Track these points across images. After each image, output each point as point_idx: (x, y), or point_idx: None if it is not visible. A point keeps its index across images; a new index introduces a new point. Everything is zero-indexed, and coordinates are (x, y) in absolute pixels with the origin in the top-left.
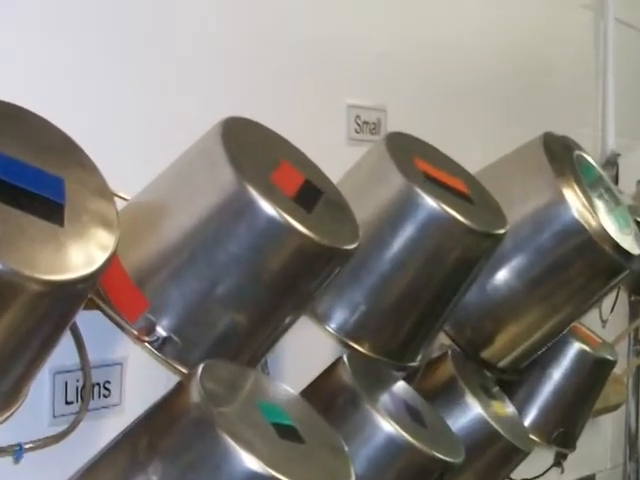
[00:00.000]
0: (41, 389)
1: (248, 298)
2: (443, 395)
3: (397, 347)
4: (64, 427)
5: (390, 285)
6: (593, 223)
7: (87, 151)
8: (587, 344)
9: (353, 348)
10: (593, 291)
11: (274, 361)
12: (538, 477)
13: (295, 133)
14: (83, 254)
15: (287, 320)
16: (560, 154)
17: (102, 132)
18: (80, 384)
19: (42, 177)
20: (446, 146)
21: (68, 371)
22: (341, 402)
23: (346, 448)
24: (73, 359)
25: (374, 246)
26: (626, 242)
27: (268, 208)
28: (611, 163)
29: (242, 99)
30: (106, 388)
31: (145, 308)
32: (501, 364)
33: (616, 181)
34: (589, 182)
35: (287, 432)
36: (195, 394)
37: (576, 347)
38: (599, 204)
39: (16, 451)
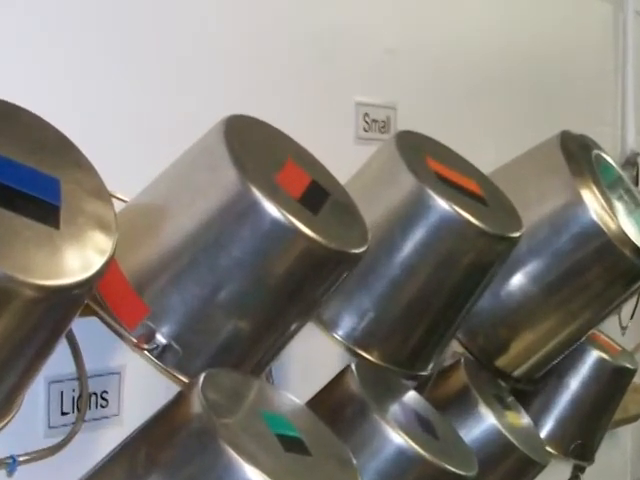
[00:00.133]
0: (36, 399)
1: (252, 304)
2: (455, 405)
3: (407, 355)
4: (60, 439)
5: (400, 290)
6: (612, 225)
7: (85, 151)
8: (606, 352)
9: (361, 356)
10: (612, 296)
11: (279, 370)
12: None
13: (301, 132)
14: (79, 258)
15: (292, 327)
16: (578, 153)
17: (101, 132)
18: (76, 394)
19: (37, 177)
20: (459, 145)
21: (64, 380)
22: (349, 413)
23: (354, 461)
24: (69, 368)
25: (383, 250)
26: None
27: (273, 210)
28: (631, 163)
29: (244, 98)
30: (103, 398)
31: (144, 314)
32: (516, 373)
33: (636, 182)
34: (608, 183)
35: (292, 444)
36: (196, 404)
37: (594, 355)
38: (618, 206)
39: (9, 464)
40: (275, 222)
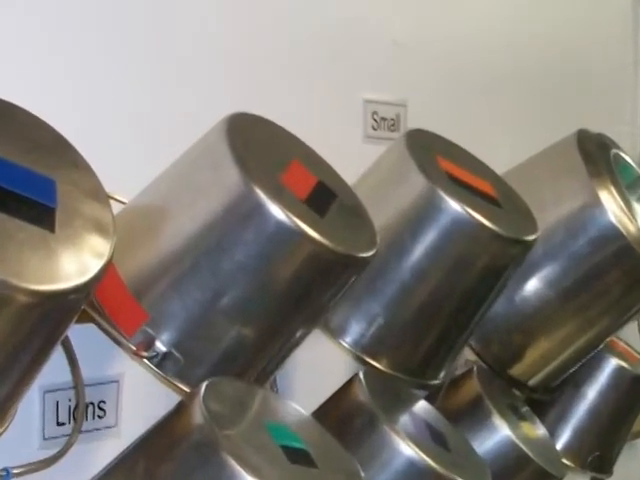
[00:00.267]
0: (30, 409)
1: (255, 310)
2: (468, 416)
3: (418, 363)
4: (55, 450)
5: (410, 296)
6: (631, 228)
7: (83, 151)
8: (625, 360)
9: (370, 364)
10: (632, 302)
11: (284, 379)
12: None
13: (306, 131)
14: (76, 262)
15: (298, 334)
16: (595, 153)
17: (100, 132)
18: (73, 404)
19: (31, 178)
20: (471, 144)
21: (60, 389)
22: (357, 423)
23: (362, 474)
24: (65, 376)
25: (393, 253)
26: None
27: (277, 212)
28: None
29: (247, 97)
30: (101, 408)
31: (143, 321)
32: (531, 382)
33: None
34: (627, 183)
35: (298, 456)
36: (198, 415)
37: (613, 363)
38: (638, 207)
39: (3, 476)
40: (280, 225)
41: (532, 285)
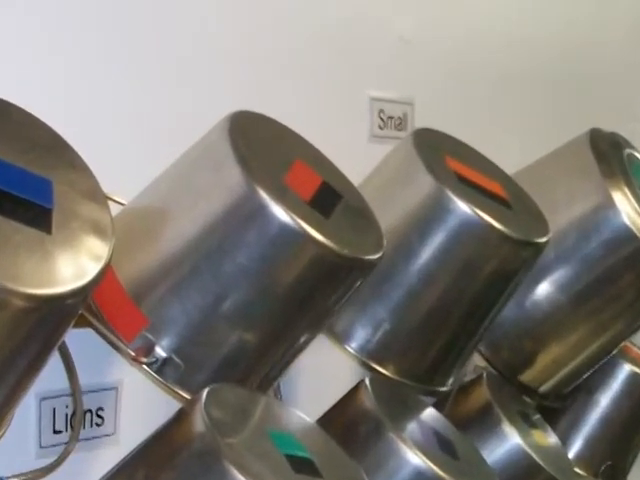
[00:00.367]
0: (26, 416)
1: (258, 314)
2: (477, 423)
3: (425, 370)
4: (52, 459)
5: (418, 300)
6: None
7: (82, 151)
8: (639, 366)
9: (376, 371)
10: None
11: (287, 385)
12: None
13: (311, 130)
14: (73, 265)
15: (302, 339)
16: (609, 153)
17: (99, 132)
18: (70, 411)
19: (27, 178)
20: (480, 144)
21: (56, 396)
22: (363, 431)
23: None
24: (62, 383)
25: (400, 256)
26: None
27: (281, 213)
28: None
29: (249, 96)
30: (99, 415)
31: (143, 326)
32: (542, 389)
33: None
34: None
35: (302, 465)
36: (199, 423)
37: (627, 370)
38: None
39: None
40: (283, 226)
41: (543, 289)
